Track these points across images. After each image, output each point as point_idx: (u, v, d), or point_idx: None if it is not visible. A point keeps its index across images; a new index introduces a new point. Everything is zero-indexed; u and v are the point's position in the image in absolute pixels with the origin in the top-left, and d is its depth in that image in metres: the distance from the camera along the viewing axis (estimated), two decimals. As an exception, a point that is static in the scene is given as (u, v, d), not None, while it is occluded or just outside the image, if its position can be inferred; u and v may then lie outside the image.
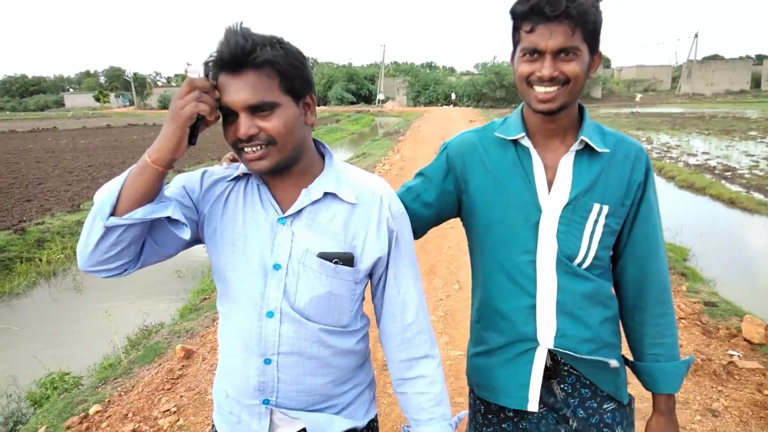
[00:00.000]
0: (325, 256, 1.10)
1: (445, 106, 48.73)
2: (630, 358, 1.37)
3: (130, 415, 3.08)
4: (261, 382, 1.13)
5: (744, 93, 53.80)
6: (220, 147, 17.24)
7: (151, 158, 0.96)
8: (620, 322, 1.35)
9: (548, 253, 1.22)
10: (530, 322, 1.26)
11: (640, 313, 1.29)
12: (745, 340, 3.61)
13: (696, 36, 55.14)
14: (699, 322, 3.93)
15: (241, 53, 0.98)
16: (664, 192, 9.55)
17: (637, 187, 1.23)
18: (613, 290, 1.31)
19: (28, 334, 5.13)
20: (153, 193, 0.99)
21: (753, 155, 13.53)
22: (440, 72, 66.89)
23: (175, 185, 1.15)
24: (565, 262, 1.22)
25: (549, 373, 1.29)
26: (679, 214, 7.83)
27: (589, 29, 1.11)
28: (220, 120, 1.05)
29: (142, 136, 24.59)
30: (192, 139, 1.00)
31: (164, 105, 61.49)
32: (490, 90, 46.68)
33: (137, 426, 2.95)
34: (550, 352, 1.27)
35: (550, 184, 1.23)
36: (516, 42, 1.18)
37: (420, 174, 1.39)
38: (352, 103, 56.72)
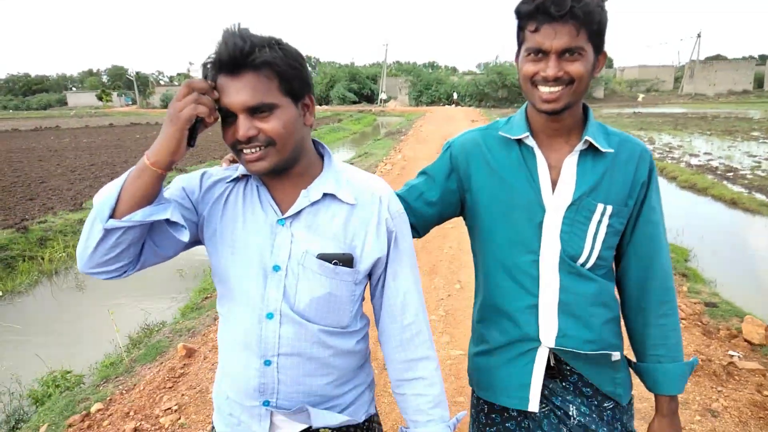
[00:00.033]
0: (325, 257, 1.10)
1: (447, 106, 48.65)
2: (633, 359, 1.36)
3: (131, 413, 3.09)
4: (261, 383, 1.13)
5: (747, 93, 53.50)
6: (221, 146, 17.25)
7: (150, 160, 0.96)
8: (622, 323, 1.34)
9: (551, 253, 1.22)
10: (532, 322, 1.25)
11: (643, 314, 1.28)
12: (746, 340, 3.61)
13: (699, 36, 54.88)
14: (699, 323, 3.93)
15: (240, 55, 0.97)
16: (666, 192, 9.51)
17: (640, 187, 1.23)
18: (615, 291, 1.31)
19: (30, 332, 5.14)
20: (152, 195, 0.99)
21: (755, 156, 13.47)
22: (442, 71, 66.69)
23: (174, 186, 1.14)
24: (568, 262, 1.22)
25: (551, 373, 1.28)
26: (680, 214, 7.81)
27: (594, 29, 1.10)
28: (220, 120, 1.05)
29: (144, 135, 24.63)
30: (191, 140, 0.99)
31: (167, 104, 60.89)
32: (492, 90, 46.53)
33: (139, 424, 2.96)
34: (552, 352, 1.26)
35: (554, 183, 1.22)
36: (521, 41, 1.18)
37: (423, 173, 1.39)
38: (354, 102, 56.70)
